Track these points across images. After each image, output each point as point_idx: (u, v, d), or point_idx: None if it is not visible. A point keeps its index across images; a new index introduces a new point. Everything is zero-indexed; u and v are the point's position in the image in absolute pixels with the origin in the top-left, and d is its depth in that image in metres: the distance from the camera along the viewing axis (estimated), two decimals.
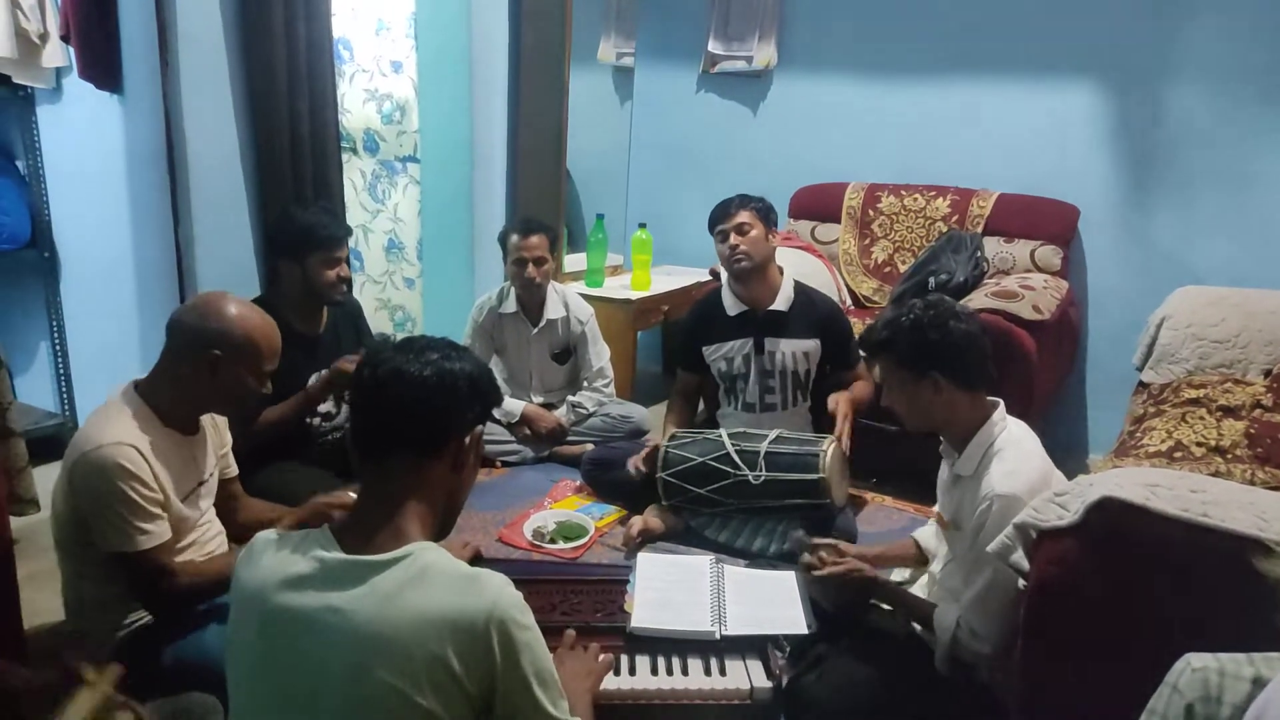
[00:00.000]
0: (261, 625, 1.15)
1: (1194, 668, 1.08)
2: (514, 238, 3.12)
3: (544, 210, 3.67)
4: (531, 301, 3.22)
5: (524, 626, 1.15)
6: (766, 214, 2.76)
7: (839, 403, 2.59)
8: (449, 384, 1.22)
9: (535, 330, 3.24)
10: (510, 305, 3.23)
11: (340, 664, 1.10)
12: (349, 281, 2.61)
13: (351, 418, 1.28)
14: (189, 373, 1.70)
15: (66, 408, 3.25)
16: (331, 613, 1.11)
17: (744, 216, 2.72)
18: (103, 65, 2.67)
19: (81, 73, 2.71)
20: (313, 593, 1.12)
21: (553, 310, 3.24)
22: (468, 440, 1.26)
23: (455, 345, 1.28)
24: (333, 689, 1.11)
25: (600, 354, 3.32)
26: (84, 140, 2.91)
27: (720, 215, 2.76)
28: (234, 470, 1.97)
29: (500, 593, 1.14)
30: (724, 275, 2.87)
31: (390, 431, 1.21)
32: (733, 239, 2.71)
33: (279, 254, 2.57)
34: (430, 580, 1.12)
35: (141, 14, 2.56)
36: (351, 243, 2.66)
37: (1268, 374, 2.80)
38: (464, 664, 1.10)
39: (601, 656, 1.67)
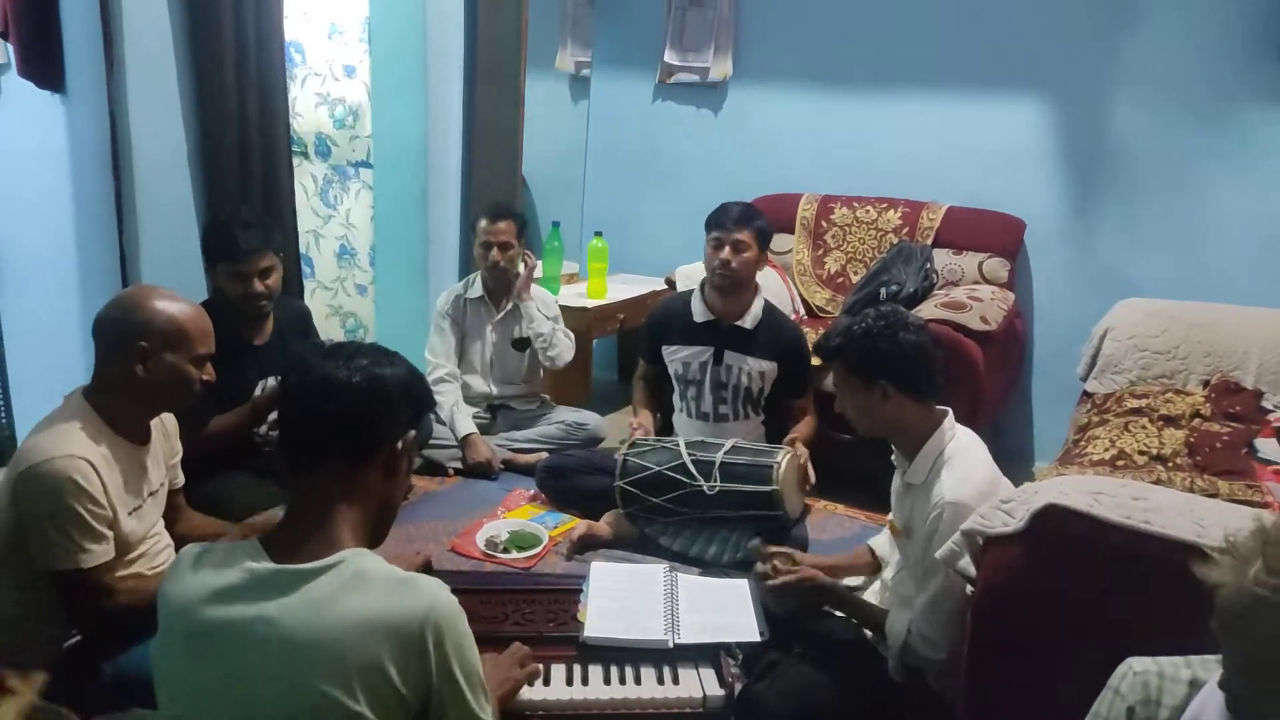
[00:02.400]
0: (190, 640, 1.12)
1: (1135, 671, 1.11)
2: (482, 222, 3.15)
3: None
4: (497, 287, 3.23)
5: (458, 630, 1.14)
6: (765, 237, 2.74)
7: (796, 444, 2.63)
8: (380, 389, 1.19)
9: (499, 316, 3.24)
10: (476, 290, 3.24)
11: (273, 674, 1.08)
12: (264, 296, 2.39)
13: (281, 426, 1.24)
14: (122, 371, 1.64)
15: (4, 416, 3.14)
16: (263, 623, 1.08)
17: (744, 235, 2.67)
18: (43, 63, 2.59)
19: (20, 70, 2.62)
20: (243, 604, 1.10)
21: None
22: (400, 445, 1.24)
23: (385, 350, 1.26)
24: (266, 700, 1.08)
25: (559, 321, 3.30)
26: (23, 140, 2.82)
27: (721, 221, 2.70)
28: (180, 481, 1.92)
29: (436, 596, 1.13)
30: (699, 282, 2.84)
31: (321, 439, 1.19)
32: (726, 253, 2.67)
33: (203, 256, 2.48)
34: (364, 585, 1.11)
35: (85, 10, 2.48)
36: (303, 248, 2.58)
37: (1206, 384, 2.88)
38: (399, 669, 1.09)
39: (530, 665, 1.65)
